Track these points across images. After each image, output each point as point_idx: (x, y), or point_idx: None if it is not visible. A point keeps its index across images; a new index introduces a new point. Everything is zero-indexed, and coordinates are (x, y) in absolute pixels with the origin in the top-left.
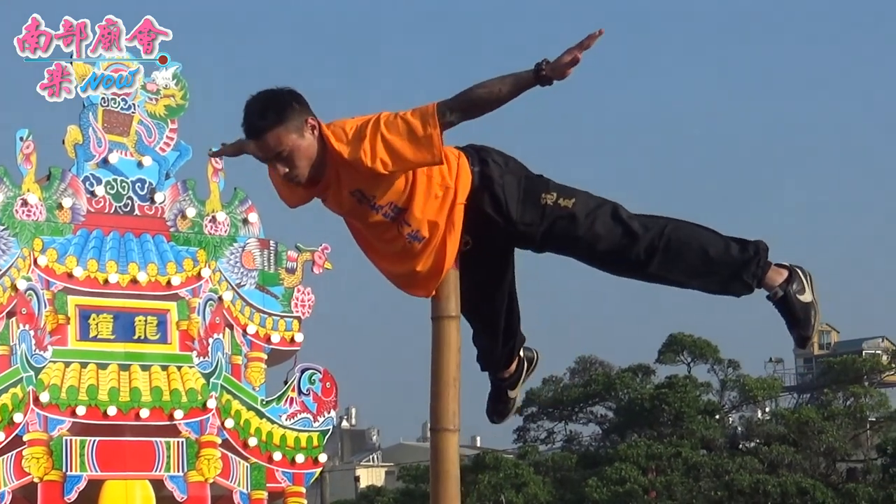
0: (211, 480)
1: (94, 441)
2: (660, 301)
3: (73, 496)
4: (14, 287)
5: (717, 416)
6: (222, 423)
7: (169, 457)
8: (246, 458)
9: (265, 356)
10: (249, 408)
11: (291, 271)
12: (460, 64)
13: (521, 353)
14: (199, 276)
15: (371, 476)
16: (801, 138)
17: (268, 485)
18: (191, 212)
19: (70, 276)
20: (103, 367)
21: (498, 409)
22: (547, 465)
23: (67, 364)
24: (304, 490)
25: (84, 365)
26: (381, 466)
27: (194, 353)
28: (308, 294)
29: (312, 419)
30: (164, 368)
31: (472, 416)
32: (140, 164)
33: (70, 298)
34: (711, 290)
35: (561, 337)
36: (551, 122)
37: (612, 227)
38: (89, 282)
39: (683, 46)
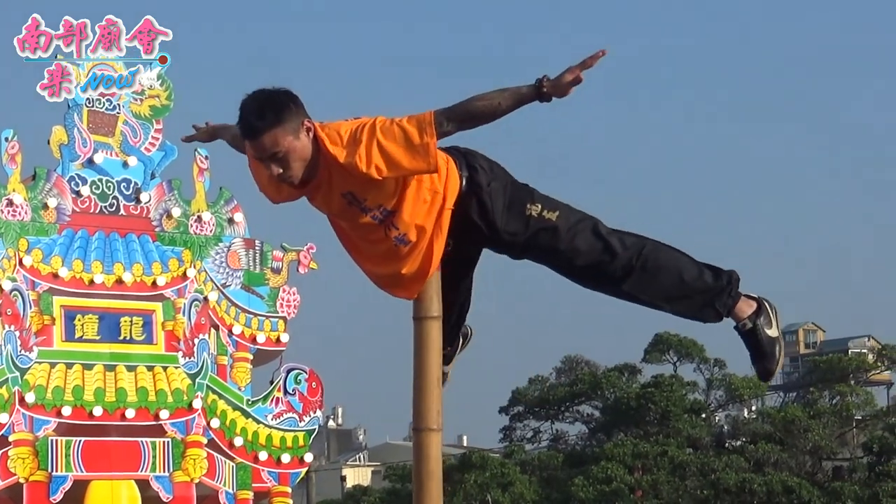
0: (196, 480)
1: (80, 441)
2: None
3: (58, 496)
4: None
5: (704, 415)
6: (208, 423)
7: (154, 457)
8: (232, 458)
9: (251, 356)
10: (235, 408)
11: (277, 271)
12: (453, 64)
13: None
14: (184, 277)
15: (357, 475)
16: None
17: (253, 485)
18: (176, 212)
19: (55, 276)
20: (89, 367)
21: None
22: (533, 465)
23: (53, 365)
24: (289, 490)
25: (69, 365)
26: (368, 466)
27: (180, 354)
28: (294, 294)
29: (298, 419)
30: (150, 369)
31: (459, 416)
32: (125, 164)
33: (55, 299)
34: (681, 314)
35: (547, 336)
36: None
37: (592, 243)
38: (74, 282)
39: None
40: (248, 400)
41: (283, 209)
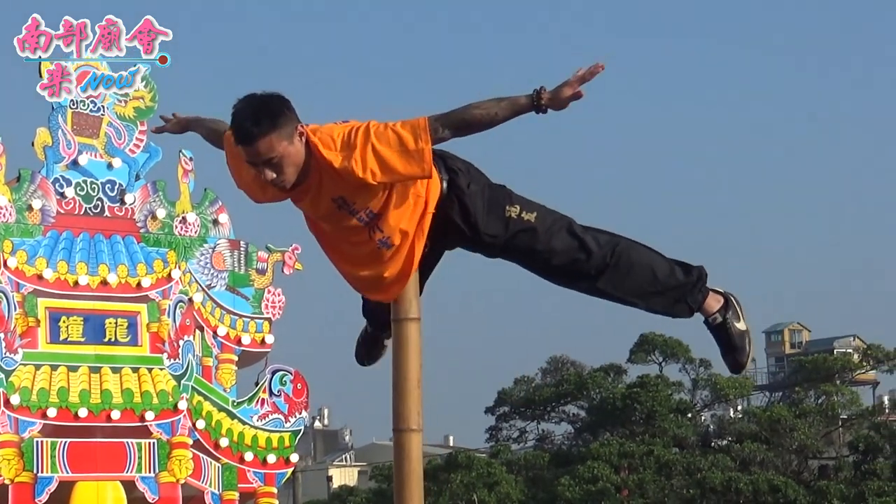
0: (182, 481)
1: (66, 442)
2: None
3: (44, 497)
4: None
5: (689, 415)
6: (193, 425)
7: (140, 458)
8: (217, 459)
9: (236, 358)
10: (221, 409)
11: (262, 272)
12: (449, 65)
13: None
14: (169, 278)
15: (344, 476)
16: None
17: (239, 485)
18: (161, 213)
19: (40, 277)
20: (74, 369)
21: (372, 353)
22: (519, 464)
23: (38, 367)
24: (275, 490)
25: (54, 367)
26: (354, 466)
27: (165, 355)
28: (279, 295)
29: (284, 420)
30: (135, 370)
31: (445, 416)
32: (110, 166)
33: (40, 301)
34: (653, 310)
35: (533, 337)
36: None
37: (569, 243)
38: (59, 284)
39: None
40: (234, 401)
41: (268, 210)
